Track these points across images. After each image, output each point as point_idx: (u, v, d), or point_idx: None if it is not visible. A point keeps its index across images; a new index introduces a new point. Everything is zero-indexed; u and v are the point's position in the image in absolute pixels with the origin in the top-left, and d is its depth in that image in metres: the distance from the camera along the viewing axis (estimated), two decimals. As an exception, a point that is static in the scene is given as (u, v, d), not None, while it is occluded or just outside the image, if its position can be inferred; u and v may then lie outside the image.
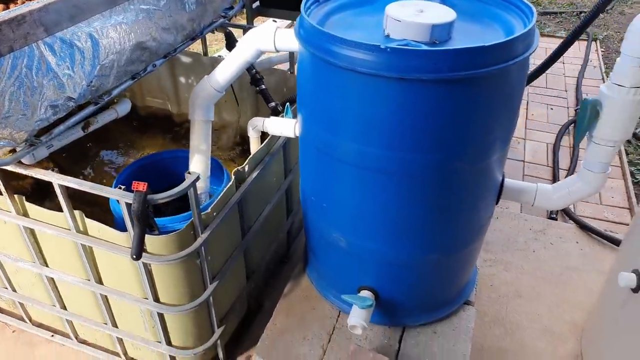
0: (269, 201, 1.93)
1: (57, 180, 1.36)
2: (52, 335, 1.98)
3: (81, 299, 1.74)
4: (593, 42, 4.67)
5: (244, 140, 2.53)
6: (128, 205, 1.31)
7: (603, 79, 4.09)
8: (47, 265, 1.68)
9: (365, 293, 1.68)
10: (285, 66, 2.34)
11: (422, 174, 1.37)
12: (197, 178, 1.38)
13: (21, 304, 1.93)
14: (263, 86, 2.09)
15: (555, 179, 2.98)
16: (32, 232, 1.59)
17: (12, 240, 1.65)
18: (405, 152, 1.33)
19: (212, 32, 2.07)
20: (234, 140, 2.55)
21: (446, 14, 1.30)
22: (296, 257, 2.32)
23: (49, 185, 1.40)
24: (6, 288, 1.88)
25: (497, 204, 1.68)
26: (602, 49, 4.61)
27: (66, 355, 1.94)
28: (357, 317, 1.59)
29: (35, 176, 1.38)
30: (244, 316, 2.04)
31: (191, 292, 1.59)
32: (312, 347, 1.71)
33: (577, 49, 4.55)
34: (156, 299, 1.57)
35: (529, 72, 2.12)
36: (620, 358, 1.58)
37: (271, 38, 1.56)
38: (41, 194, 2.09)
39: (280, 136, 1.83)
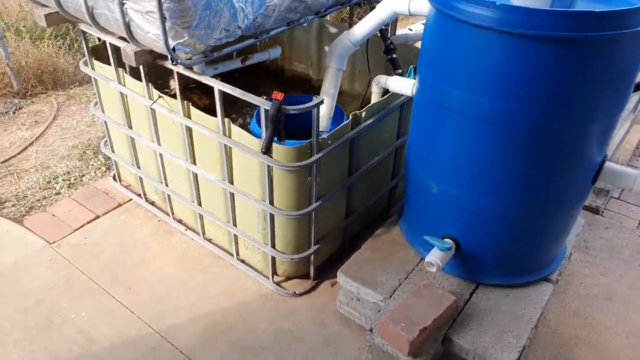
0: (378, 153, 2.18)
1: (217, 85, 1.76)
2: (186, 230, 2.44)
3: (214, 198, 2.16)
4: None
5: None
6: (266, 111, 1.65)
7: None
8: (195, 164, 2.12)
9: (447, 240, 1.85)
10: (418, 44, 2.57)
11: (520, 127, 1.51)
12: (322, 102, 1.68)
13: (169, 197, 2.41)
14: (394, 55, 2.34)
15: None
16: (190, 133, 2.03)
17: (175, 138, 2.11)
18: (507, 103, 1.48)
19: (360, 5, 2.38)
20: (361, 106, 2.83)
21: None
22: (393, 219, 2.53)
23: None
24: (161, 182, 2.38)
25: (594, 184, 1.74)
26: None
27: (193, 246, 2.38)
28: (434, 256, 1.77)
29: (202, 80, 1.80)
30: (337, 250, 2.31)
31: (299, 204, 1.90)
32: (389, 278, 1.93)
33: None
34: (271, 202, 1.91)
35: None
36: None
37: (407, 1, 1.81)
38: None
39: (399, 96, 2.08)
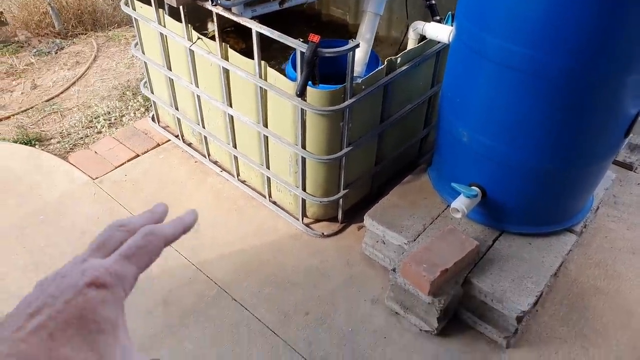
0: (411, 101, 2.20)
1: (255, 27, 1.79)
2: (221, 171, 2.54)
3: (249, 140, 2.23)
4: None
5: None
6: (302, 54, 1.69)
7: None
8: (231, 106, 2.18)
9: (473, 187, 1.89)
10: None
11: (555, 78, 1.51)
12: (357, 45, 1.70)
13: (205, 139, 2.50)
14: (433, 1, 2.31)
15: None
16: (227, 75, 2.08)
17: (212, 81, 2.17)
18: (543, 52, 1.48)
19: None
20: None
21: None
22: (423, 168, 2.57)
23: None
24: (198, 124, 2.46)
25: (626, 137, 1.74)
26: None
27: (228, 187, 2.49)
28: (460, 203, 1.82)
29: (241, 22, 1.83)
30: (365, 196, 2.38)
31: (330, 148, 1.96)
32: (414, 223, 1.99)
33: None
34: (303, 146, 1.97)
35: None
36: None
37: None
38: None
39: (436, 43, 2.07)
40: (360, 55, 2.07)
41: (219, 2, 1.71)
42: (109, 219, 2.29)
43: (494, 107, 1.69)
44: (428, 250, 1.76)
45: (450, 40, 1.91)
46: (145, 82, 2.70)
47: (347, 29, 3.03)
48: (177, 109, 2.56)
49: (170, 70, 2.39)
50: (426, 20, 2.61)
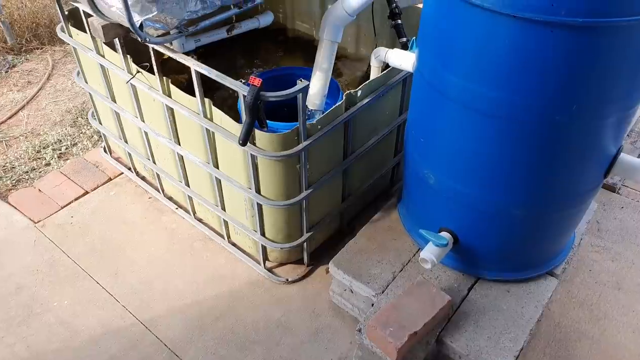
0: (377, 133, 2.01)
1: (194, 65, 1.59)
2: (177, 208, 2.34)
3: (201, 180, 2.03)
4: None
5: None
6: (244, 96, 1.49)
7: None
8: (179, 144, 1.98)
9: (444, 234, 1.72)
10: (427, 7, 2.33)
11: (524, 121, 1.34)
12: (307, 86, 1.51)
13: (158, 176, 2.29)
14: (399, 21, 2.12)
15: None
16: (172, 112, 1.88)
17: (157, 117, 1.96)
18: (512, 94, 1.31)
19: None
20: (365, 74, 2.64)
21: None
22: (397, 196, 2.39)
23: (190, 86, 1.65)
24: (149, 159, 2.26)
25: (606, 177, 1.57)
26: None
27: (184, 226, 2.29)
28: (429, 253, 1.65)
29: (177, 59, 1.63)
30: (334, 234, 2.20)
31: (287, 192, 1.77)
32: (383, 271, 1.81)
33: None
34: (257, 190, 1.78)
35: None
36: None
37: (407, -32, 1.59)
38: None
39: (400, 71, 1.88)
40: (318, 88, 1.88)
41: (147, 39, 1.50)
42: (50, 271, 2.08)
43: (461, 151, 1.52)
44: (395, 310, 1.59)
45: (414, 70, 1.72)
46: (93, 112, 2.48)
47: (314, 44, 2.82)
48: (126, 142, 2.36)
49: (115, 102, 2.18)
50: (396, 41, 2.43)
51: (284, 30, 2.91)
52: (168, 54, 1.65)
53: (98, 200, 2.41)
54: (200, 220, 2.29)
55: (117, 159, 2.59)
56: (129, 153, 2.39)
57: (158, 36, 1.57)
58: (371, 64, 1.93)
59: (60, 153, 2.76)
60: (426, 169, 1.66)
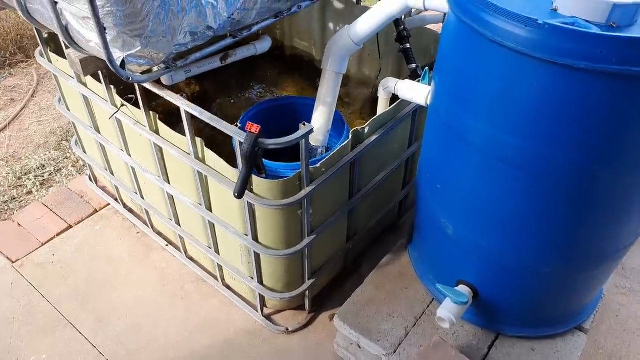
0: (386, 167, 1.84)
1: (183, 106, 1.41)
2: (167, 245, 2.16)
3: (192, 220, 1.86)
4: None
5: (379, 99, 2.43)
6: (240, 143, 1.32)
7: None
8: (168, 182, 1.80)
9: (463, 288, 1.55)
10: (438, 28, 2.16)
11: (557, 175, 1.18)
12: (310, 131, 1.34)
13: (146, 211, 2.11)
14: (408, 45, 1.95)
15: None
16: (160, 149, 1.70)
17: (144, 152, 1.78)
18: (542, 145, 1.15)
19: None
20: (369, 97, 2.46)
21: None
22: (405, 229, 2.22)
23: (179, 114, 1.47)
24: (136, 193, 2.08)
25: (646, 230, 1.41)
26: None
27: (174, 265, 2.11)
28: (447, 311, 1.47)
29: (166, 97, 1.45)
30: (338, 273, 2.03)
31: (288, 240, 1.60)
32: (394, 326, 1.64)
33: None
34: (255, 238, 1.60)
35: None
36: None
37: (422, -6, 1.42)
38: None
39: (411, 102, 1.71)
40: (321, 123, 1.71)
41: (130, 78, 1.32)
42: (27, 319, 1.90)
43: (484, 202, 1.35)
44: (410, 378, 1.42)
45: (428, 104, 1.55)
46: (77, 140, 2.29)
47: (314, 64, 2.65)
48: (112, 173, 2.17)
49: (99, 133, 2.00)
50: (402, 64, 2.26)
51: (281, 48, 2.74)
52: (155, 90, 1.47)
53: (82, 236, 2.23)
54: (192, 259, 2.11)
55: (103, 189, 2.41)
56: (115, 185, 2.21)
57: (143, 73, 1.39)
58: (379, 94, 1.76)
59: (43, 180, 2.58)
60: (444, 217, 1.49)
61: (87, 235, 2.23)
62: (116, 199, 2.33)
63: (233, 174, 1.47)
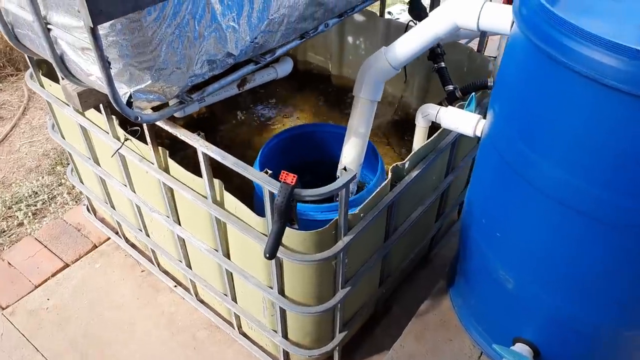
0: (423, 202, 1.64)
1: (202, 147, 1.20)
2: (175, 286, 1.95)
3: (207, 264, 1.65)
4: None
5: (405, 119, 2.23)
6: (271, 193, 1.11)
7: None
8: (179, 224, 1.59)
9: (521, 347, 1.35)
10: (471, 42, 1.97)
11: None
12: (353, 177, 1.13)
13: (152, 250, 1.90)
14: (442, 64, 1.75)
15: None
16: (170, 189, 1.49)
17: (151, 189, 1.57)
18: (632, 199, 0.95)
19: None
20: (393, 117, 2.26)
21: None
22: (437, 262, 2.03)
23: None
24: (141, 230, 1.86)
25: None
26: None
27: (184, 310, 1.90)
28: (508, 377, 1.28)
29: (180, 137, 1.24)
30: (367, 320, 1.83)
31: (320, 294, 1.39)
32: (441, 389, 1.44)
33: None
34: (281, 292, 1.40)
35: None
36: None
37: (476, 13, 1.22)
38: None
39: (453, 131, 1.51)
40: (353, 156, 1.50)
41: (139, 118, 1.11)
42: (20, 380, 1.69)
43: (556, 257, 1.15)
44: None
45: (479, 135, 1.36)
46: (73, 169, 2.07)
47: (330, 81, 2.44)
48: (113, 207, 1.96)
49: (99, 165, 1.79)
50: (431, 82, 2.06)
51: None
52: (168, 129, 1.26)
53: (80, 276, 2.01)
54: (203, 302, 1.90)
55: (103, 221, 2.19)
56: (117, 221, 1.99)
57: (153, 109, 1.18)
58: (417, 122, 1.56)
59: (36, 210, 2.36)
60: (503, 270, 1.29)
61: (85, 276, 2.01)
62: (117, 233, 2.11)
63: (258, 223, 1.26)
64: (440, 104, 1.73)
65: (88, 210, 2.23)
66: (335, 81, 2.43)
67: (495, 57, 1.80)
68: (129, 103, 1.11)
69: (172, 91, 1.16)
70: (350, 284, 1.43)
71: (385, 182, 1.34)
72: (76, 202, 2.38)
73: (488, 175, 1.29)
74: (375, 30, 2.12)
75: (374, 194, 1.31)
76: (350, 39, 2.27)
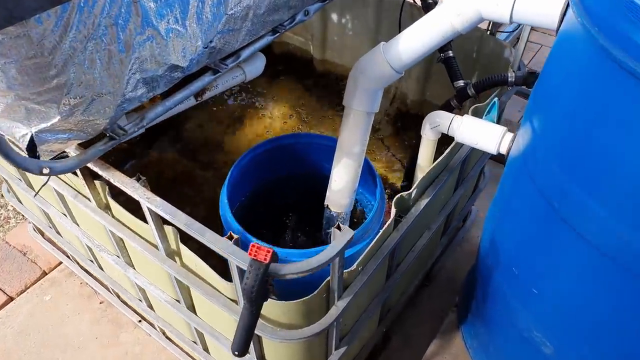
0: (429, 227, 1.36)
1: (147, 203, 0.89)
2: (140, 321, 1.66)
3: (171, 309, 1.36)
4: None
5: (402, 112, 1.92)
6: (240, 270, 0.81)
7: None
8: (132, 267, 1.29)
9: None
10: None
11: None
12: (351, 238, 0.83)
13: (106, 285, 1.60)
14: (450, 53, 1.43)
15: None
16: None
17: (96, 226, 1.26)
18: None
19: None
20: (388, 111, 1.95)
21: None
22: (441, 278, 1.77)
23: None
24: (92, 262, 1.56)
25: None
26: None
27: (151, 348, 1.62)
28: None
29: (115, 184, 0.93)
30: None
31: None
32: None
33: None
34: (260, 358, 1.12)
35: None
36: None
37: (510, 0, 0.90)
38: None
39: (462, 144, 1.21)
40: (346, 181, 1.20)
41: (45, 169, 0.79)
42: None
43: (610, 325, 0.89)
44: None
45: (505, 152, 1.07)
46: (9, 188, 1.74)
47: (313, 65, 2.10)
48: (58, 233, 1.64)
49: (32, 189, 1.46)
50: (433, 71, 1.74)
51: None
52: (102, 174, 0.94)
53: (27, 311, 1.71)
54: (172, 340, 1.62)
55: (52, 242, 1.87)
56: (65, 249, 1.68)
57: (65, 155, 0.86)
58: (423, 134, 1.25)
59: (-23, 227, 2.03)
60: (539, 331, 1.02)
61: (34, 310, 1.72)
62: (69, 257, 1.80)
63: (224, 288, 0.97)
64: (447, 103, 1.42)
65: (34, 229, 1.90)
66: (319, 66, 2.09)
67: (514, 43, 1.48)
68: (32, 147, 0.79)
69: (96, 125, 0.84)
70: (345, 342, 1.16)
71: (388, 223, 1.04)
72: (19, 219, 2.05)
73: (521, 214, 1.00)
74: (365, 6, 1.77)
75: (373, 242, 1.01)
76: (334, 17, 1.92)
